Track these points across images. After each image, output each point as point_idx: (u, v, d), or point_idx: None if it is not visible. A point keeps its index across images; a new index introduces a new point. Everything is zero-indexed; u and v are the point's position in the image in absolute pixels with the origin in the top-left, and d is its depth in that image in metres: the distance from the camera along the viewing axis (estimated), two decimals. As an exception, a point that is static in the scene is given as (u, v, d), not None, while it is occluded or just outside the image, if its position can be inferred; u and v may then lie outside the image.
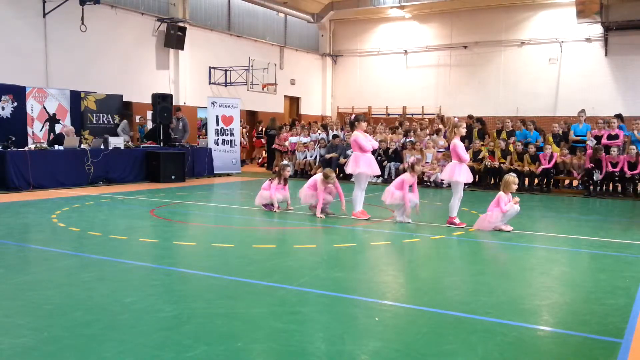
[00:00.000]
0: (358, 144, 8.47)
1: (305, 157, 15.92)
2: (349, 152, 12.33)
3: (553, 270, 5.70)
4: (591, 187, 12.30)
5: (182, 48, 18.54)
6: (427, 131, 15.40)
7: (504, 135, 13.85)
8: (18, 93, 13.42)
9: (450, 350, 3.45)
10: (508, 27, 22.35)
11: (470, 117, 15.72)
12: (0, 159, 11.02)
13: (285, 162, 10.73)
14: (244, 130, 19.89)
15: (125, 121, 15.52)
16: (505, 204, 7.54)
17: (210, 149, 15.70)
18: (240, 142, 17.54)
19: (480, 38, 22.74)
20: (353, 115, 8.84)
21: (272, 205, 9.10)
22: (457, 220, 7.99)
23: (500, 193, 7.65)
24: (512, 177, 7.69)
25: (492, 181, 13.32)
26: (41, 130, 13.91)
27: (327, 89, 26.45)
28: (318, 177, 8.82)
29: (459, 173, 7.91)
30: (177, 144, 14.91)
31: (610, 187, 12.46)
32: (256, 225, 8.37)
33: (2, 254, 5.89)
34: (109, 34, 16.67)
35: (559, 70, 21.50)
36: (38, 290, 4.57)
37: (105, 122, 15.25)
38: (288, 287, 4.74)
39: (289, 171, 9.66)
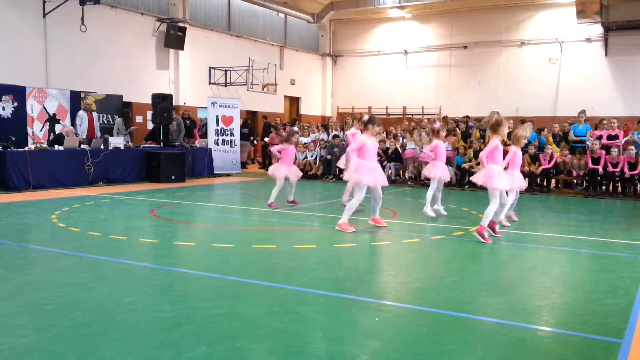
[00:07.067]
0: (351, 143, 8.05)
1: (306, 157, 15.91)
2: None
3: (553, 270, 5.70)
4: (591, 187, 12.29)
5: (182, 48, 18.56)
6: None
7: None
8: (18, 93, 13.42)
9: (450, 350, 3.45)
10: (508, 27, 22.36)
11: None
12: (0, 159, 11.01)
13: (295, 128, 10.90)
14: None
15: (119, 120, 15.10)
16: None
17: (210, 149, 15.70)
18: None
19: (480, 38, 22.74)
20: (366, 116, 7.70)
21: (275, 203, 9.29)
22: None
23: (512, 146, 7.36)
24: (522, 132, 7.25)
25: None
26: (41, 130, 13.91)
27: (327, 89, 26.45)
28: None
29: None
30: (177, 144, 14.90)
31: (610, 187, 12.46)
32: (256, 225, 8.36)
33: (2, 254, 5.89)
34: (109, 34, 16.68)
35: (559, 71, 21.51)
36: (38, 290, 4.57)
37: (105, 122, 15.25)
38: (288, 287, 4.74)
39: (297, 138, 9.89)
